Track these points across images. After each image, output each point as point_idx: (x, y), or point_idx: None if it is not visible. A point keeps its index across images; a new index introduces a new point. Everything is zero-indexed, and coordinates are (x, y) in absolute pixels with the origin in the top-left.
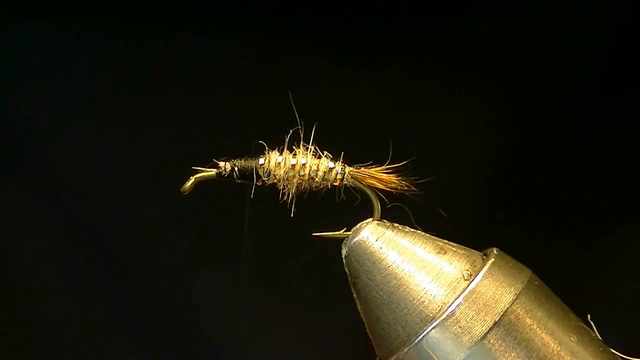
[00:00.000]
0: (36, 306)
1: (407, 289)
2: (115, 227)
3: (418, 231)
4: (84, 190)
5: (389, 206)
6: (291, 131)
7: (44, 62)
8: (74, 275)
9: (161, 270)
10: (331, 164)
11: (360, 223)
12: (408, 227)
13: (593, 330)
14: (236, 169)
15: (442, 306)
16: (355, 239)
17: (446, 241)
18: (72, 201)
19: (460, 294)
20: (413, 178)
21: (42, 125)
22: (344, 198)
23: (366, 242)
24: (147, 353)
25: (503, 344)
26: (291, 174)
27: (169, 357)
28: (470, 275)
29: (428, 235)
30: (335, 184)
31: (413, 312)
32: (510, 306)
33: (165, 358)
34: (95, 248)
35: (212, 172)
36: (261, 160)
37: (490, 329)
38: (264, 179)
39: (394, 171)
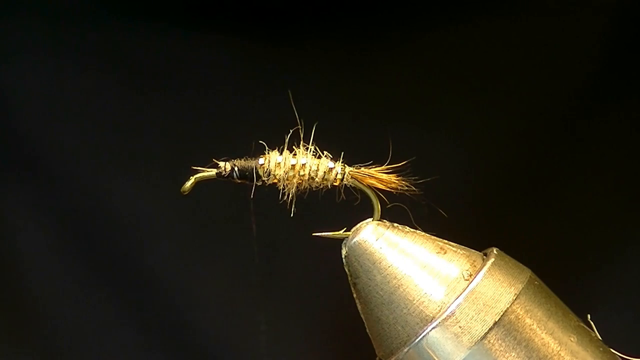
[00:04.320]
0: (35, 303)
1: (407, 289)
2: (116, 227)
3: (418, 231)
4: (85, 188)
5: (389, 206)
6: (291, 131)
7: (44, 61)
8: (74, 274)
9: (161, 269)
10: (331, 164)
11: (360, 223)
12: (408, 227)
13: (593, 330)
14: (236, 169)
15: (442, 306)
16: (355, 239)
17: (446, 241)
18: (71, 199)
19: (460, 294)
20: (413, 178)
21: (43, 124)
22: (344, 198)
23: (366, 242)
24: (146, 350)
25: (503, 344)
26: (291, 174)
27: (168, 355)
28: (470, 275)
29: (428, 235)
30: (335, 184)
31: (413, 312)
32: (510, 306)
33: (165, 356)
34: (95, 245)
35: (212, 172)
36: (261, 160)
37: (490, 329)
38: (264, 179)
39: (394, 171)
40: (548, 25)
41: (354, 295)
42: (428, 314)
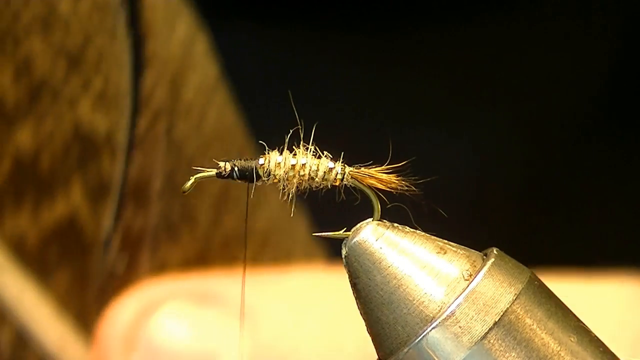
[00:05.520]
0: None
1: (407, 289)
2: None
3: (418, 231)
4: None
5: (389, 206)
6: (291, 131)
7: None
8: None
9: None
10: (331, 164)
11: (360, 223)
12: (408, 227)
13: (593, 331)
14: (236, 169)
15: (442, 306)
16: (355, 239)
17: (446, 241)
18: None
19: (460, 294)
20: (413, 178)
21: None
22: (344, 198)
23: (366, 242)
24: None
25: (503, 344)
26: (291, 174)
27: None
28: (470, 275)
29: (428, 235)
30: (335, 184)
31: (413, 312)
32: (510, 306)
33: None
34: None
35: (212, 172)
36: (261, 160)
37: (490, 329)
38: (264, 179)
39: (394, 171)
40: (557, 27)
41: (354, 296)
42: (428, 314)
